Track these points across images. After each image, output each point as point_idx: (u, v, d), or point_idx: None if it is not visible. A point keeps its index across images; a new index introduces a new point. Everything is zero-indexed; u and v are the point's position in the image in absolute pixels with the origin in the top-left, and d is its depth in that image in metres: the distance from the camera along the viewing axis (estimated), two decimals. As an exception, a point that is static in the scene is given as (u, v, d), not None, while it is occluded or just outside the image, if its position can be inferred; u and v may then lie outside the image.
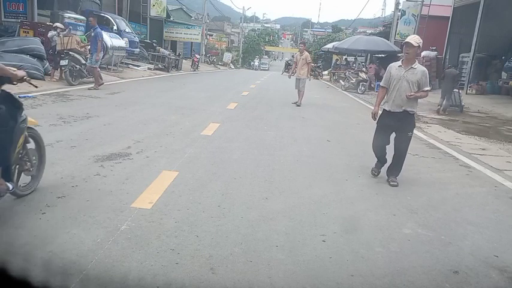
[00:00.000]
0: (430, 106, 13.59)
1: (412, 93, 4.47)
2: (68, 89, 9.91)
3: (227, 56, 44.63)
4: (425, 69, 4.62)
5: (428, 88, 4.59)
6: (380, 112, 4.78)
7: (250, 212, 3.48)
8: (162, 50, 23.04)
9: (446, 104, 12.08)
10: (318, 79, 27.20)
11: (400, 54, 21.75)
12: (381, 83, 4.76)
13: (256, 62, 55.18)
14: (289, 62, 32.35)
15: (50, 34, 11.44)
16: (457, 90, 12.64)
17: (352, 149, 6.35)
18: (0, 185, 2.91)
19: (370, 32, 36.33)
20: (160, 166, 4.51)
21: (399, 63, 4.64)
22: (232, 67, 43.39)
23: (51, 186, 3.62)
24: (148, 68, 19.30)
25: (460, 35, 19.83)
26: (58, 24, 11.64)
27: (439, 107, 12.22)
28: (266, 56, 69.57)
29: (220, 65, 40.11)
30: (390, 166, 4.72)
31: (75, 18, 15.52)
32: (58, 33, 11.18)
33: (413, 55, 4.56)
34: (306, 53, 11.76)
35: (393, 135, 4.74)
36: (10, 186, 2.98)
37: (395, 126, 4.61)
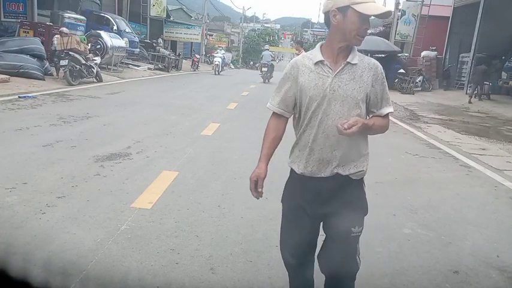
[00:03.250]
0: (431, 106, 13.60)
1: (353, 123, 1.69)
2: (68, 89, 9.91)
3: (227, 56, 44.62)
4: (378, 64, 1.85)
5: (391, 109, 1.88)
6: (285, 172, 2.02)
7: (250, 212, 3.48)
8: (162, 50, 23.04)
9: (480, 92, 15.11)
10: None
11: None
12: (271, 105, 1.95)
13: (218, 56, 24.04)
14: None
15: (55, 39, 11.35)
16: (488, 83, 15.37)
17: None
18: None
19: (370, 32, 36.36)
20: (160, 166, 4.51)
21: (317, 54, 1.81)
22: (232, 67, 43.40)
23: (51, 186, 3.62)
24: (148, 68, 19.30)
25: (460, 35, 19.82)
26: (63, 29, 11.57)
27: (471, 96, 15.22)
28: (266, 56, 69.32)
29: (221, 65, 40.09)
30: None
31: (75, 18, 15.54)
32: (63, 37, 11.15)
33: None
34: (302, 52, 11.53)
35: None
36: None
37: (322, 210, 1.87)
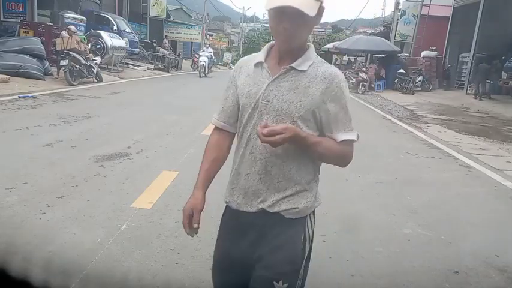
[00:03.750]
0: (431, 106, 13.60)
1: (281, 130, 1.25)
2: (68, 89, 9.91)
3: (227, 56, 44.63)
4: (338, 75, 1.37)
5: (351, 137, 1.38)
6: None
7: (250, 212, 3.47)
8: (162, 50, 23.05)
9: (482, 91, 15.70)
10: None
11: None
12: (213, 118, 1.53)
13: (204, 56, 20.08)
14: None
15: (63, 35, 11.44)
16: (489, 81, 15.90)
17: (352, 149, 6.35)
18: None
19: (370, 32, 36.32)
20: (161, 166, 4.51)
21: (260, 54, 1.43)
22: (232, 67, 43.41)
23: (51, 186, 3.62)
24: (148, 68, 19.31)
25: (460, 35, 19.84)
26: (71, 27, 11.62)
27: (476, 94, 15.91)
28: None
29: (220, 65, 40.14)
30: None
31: (75, 18, 15.54)
32: (70, 35, 11.20)
33: (305, 33, 1.36)
34: None
35: None
36: None
37: (251, 254, 1.42)
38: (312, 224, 1.49)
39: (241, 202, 1.45)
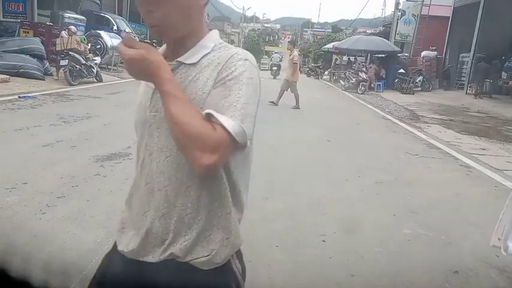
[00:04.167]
0: (431, 106, 13.61)
1: (140, 46, 1.00)
2: (68, 89, 9.91)
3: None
4: (239, 53, 1.00)
5: (224, 121, 0.91)
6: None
7: (250, 212, 3.46)
8: (162, 50, 23.05)
9: (481, 90, 15.99)
10: (318, 79, 27.31)
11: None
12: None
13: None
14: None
15: (63, 34, 11.49)
16: (489, 80, 16.19)
17: (352, 149, 6.36)
18: None
19: (370, 32, 36.28)
20: (160, 166, 4.51)
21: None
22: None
23: (51, 186, 3.62)
24: (149, 68, 19.29)
25: (460, 35, 19.82)
26: (72, 27, 11.66)
27: (476, 94, 15.99)
28: (266, 56, 69.60)
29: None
30: None
31: (75, 18, 15.54)
32: (70, 35, 11.23)
33: (183, 16, 1.03)
34: (295, 52, 11.44)
35: None
36: None
37: None
38: (235, 262, 1.18)
39: (139, 250, 1.07)
